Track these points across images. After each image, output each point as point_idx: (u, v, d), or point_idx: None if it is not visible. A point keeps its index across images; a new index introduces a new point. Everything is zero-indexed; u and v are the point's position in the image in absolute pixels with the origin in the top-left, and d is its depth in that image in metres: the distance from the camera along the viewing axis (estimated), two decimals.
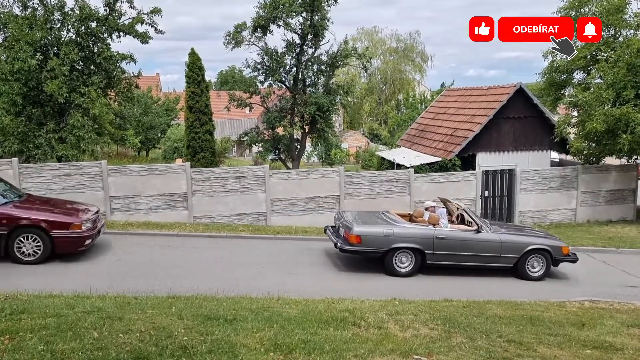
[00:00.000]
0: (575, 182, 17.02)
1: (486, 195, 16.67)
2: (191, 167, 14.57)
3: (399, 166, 19.02)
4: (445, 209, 11.54)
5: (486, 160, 18.33)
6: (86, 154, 16.32)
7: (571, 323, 7.59)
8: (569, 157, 20.56)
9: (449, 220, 11.10)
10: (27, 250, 9.14)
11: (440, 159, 18.22)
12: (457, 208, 11.38)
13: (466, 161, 18.23)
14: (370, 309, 7.36)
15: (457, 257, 10.41)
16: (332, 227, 11.57)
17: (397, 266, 10.23)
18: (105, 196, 13.46)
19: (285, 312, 6.86)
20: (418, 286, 9.72)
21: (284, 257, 11.30)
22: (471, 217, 10.83)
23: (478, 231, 10.51)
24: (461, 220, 11.22)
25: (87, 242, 9.70)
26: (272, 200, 14.62)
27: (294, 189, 14.79)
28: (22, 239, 9.10)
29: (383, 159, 23.12)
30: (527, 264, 10.65)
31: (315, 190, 14.91)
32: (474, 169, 17.57)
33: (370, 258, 10.51)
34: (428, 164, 18.16)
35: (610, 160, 19.21)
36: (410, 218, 10.96)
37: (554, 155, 20.87)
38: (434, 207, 11.18)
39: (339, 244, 10.32)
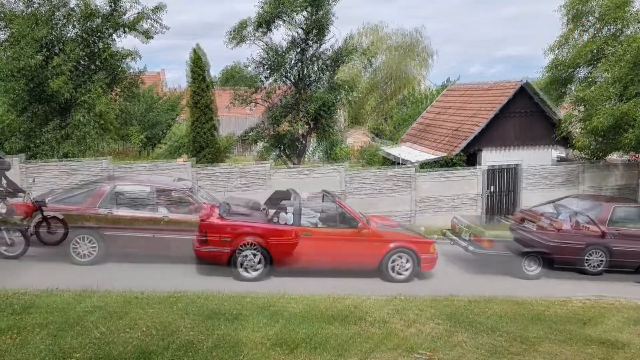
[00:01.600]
0: (579, 179, 16.98)
1: (490, 192, 16.62)
2: (195, 163, 14.59)
3: (403, 163, 18.98)
4: (568, 215, 11.77)
5: (490, 157, 18.23)
6: (90, 151, 16.34)
7: (575, 320, 7.59)
8: (572, 154, 20.46)
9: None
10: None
11: (444, 155, 18.17)
12: (575, 213, 11.69)
13: (470, 158, 18.17)
14: (374, 306, 7.38)
15: (582, 261, 10.78)
16: (449, 230, 11.80)
17: (526, 269, 10.55)
18: None
19: (289, 309, 6.88)
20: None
21: None
22: (594, 223, 11.13)
23: (602, 237, 10.83)
24: (576, 225, 11.54)
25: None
26: None
27: (297, 186, 14.77)
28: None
29: (386, 155, 23.07)
30: None
31: (318, 187, 14.87)
32: (478, 165, 17.52)
33: (499, 261, 10.65)
34: (432, 160, 18.11)
35: (610, 159, 19.12)
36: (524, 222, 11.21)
37: (558, 152, 20.77)
38: (550, 213, 11.52)
39: (470, 248, 10.64)
